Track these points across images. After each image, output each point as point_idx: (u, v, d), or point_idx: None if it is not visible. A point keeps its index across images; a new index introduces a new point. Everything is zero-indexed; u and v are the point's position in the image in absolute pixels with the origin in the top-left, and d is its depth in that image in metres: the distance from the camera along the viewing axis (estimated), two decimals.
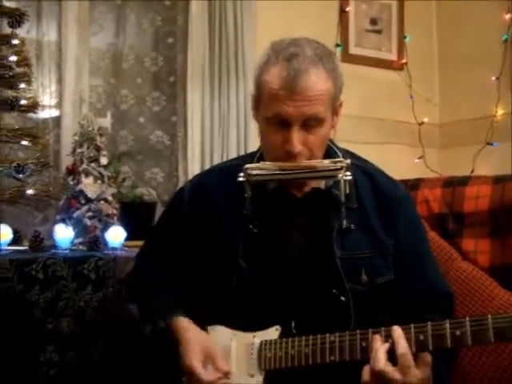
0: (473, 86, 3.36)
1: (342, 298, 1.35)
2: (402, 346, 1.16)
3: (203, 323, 1.43)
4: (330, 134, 1.42)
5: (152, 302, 1.50)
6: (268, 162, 1.36)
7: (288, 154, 1.31)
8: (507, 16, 3.17)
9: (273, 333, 1.33)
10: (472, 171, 3.21)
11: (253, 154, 1.51)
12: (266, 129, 1.36)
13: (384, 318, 1.31)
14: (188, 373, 1.35)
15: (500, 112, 3.20)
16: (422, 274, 1.43)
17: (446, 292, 1.48)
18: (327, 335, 1.25)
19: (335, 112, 1.39)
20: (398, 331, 1.18)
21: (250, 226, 1.39)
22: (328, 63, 1.32)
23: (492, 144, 3.19)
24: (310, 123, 1.30)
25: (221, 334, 1.41)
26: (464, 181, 2.06)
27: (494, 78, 3.20)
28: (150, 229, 1.71)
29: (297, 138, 1.30)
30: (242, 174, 1.35)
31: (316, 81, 1.29)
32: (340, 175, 1.31)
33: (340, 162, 1.33)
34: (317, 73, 1.29)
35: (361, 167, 1.47)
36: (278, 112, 1.30)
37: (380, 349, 1.18)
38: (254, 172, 1.34)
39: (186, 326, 1.40)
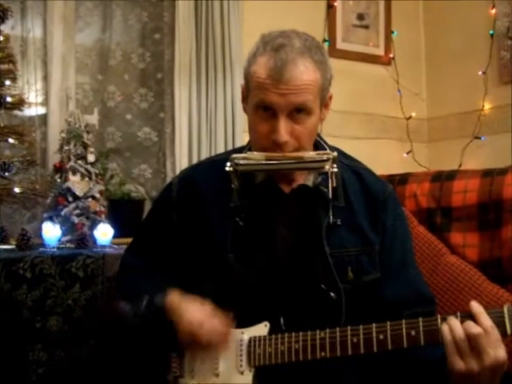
0: (460, 80, 3.37)
1: (332, 295, 1.34)
2: (487, 319, 1.13)
3: None
4: (318, 127, 1.41)
5: (141, 290, 1.46)
6: (255, 152, 1.35)
7: (275, 143, 1.30)
8: (493, 11, 3.18)
9: (262, 329, 1.32)
10: (460, 165, 3.22)
11: (241, 148, 1.51)
12: (254, 118, 1.35)
13: (374, 315, 1.30)
14: (189, 333, 1.30)
15: (487, 106, 3.21)
16: (406, 275, 1.42)
17: (429, 296, 1.45)
18: (317, 331, 1.25)
19: (324, 104, 1.38)
20: (477, 306, 1.15)
21: (237, 219, 1.39)
22: (316, 55, 1.31)
23: (480, 138, 3.21)
24: (297, 112, 1.30)
25: None
26: (452, 175, 2.07)
27: (480, 73, 3.21)
28: (140, 223, 1.69)
29: (283, 127, 1.29)
30: (228, 164, 1.34)
31: (303, 71, 1.28)
32: (327, 167, 1.30)
33: (327, 154, 1.32)
34: (304, 63, 1.28)
35: (350, 166, 1.47)
36: (262, 99, 1.29)
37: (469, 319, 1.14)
38: (241, 162, 1.33)
39: (179, 300, 1.36)
